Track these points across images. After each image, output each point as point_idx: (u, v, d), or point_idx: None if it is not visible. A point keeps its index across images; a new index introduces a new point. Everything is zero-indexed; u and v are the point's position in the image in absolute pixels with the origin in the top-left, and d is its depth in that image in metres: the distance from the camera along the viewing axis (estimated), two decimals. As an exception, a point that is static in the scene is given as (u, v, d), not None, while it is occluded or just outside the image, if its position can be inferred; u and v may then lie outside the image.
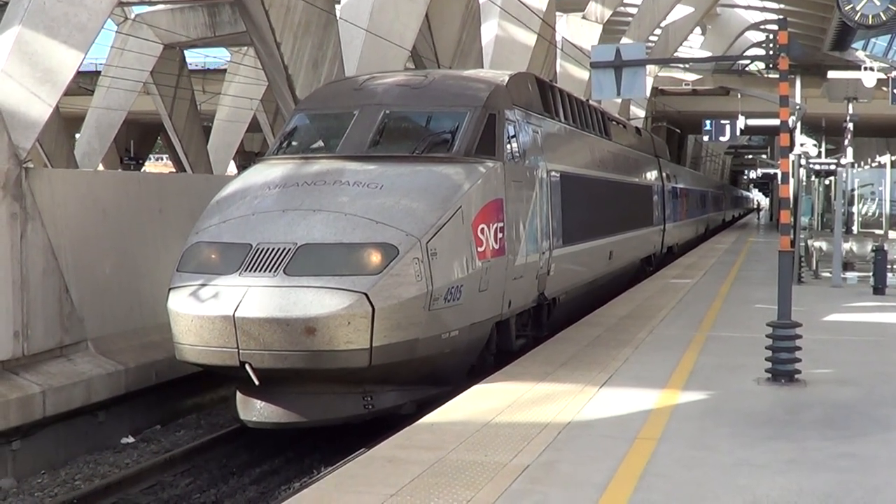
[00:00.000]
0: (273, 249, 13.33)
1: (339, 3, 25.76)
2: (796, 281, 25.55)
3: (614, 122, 29.77)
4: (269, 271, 13.09)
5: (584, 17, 47.87)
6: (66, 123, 46.01)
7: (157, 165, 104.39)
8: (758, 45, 61.00)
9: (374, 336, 12.90)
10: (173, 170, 63.12)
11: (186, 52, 49.94)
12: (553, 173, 19.21)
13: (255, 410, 13.63)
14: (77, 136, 47.21)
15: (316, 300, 12.76)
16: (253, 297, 12.88)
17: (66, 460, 15.13)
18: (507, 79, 17.92)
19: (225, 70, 58.45)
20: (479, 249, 14.80)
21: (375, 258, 13.20)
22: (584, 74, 43.55)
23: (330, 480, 9.51)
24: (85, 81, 47.14)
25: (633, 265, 30.49)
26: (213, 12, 44.78)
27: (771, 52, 14.50)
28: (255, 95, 51.68)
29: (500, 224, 15.67)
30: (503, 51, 35.08)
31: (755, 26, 67.57)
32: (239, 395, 13.89)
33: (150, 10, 45.03)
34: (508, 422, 11.48)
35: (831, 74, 43.27)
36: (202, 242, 14.10)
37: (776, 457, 10.11)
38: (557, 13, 44.13)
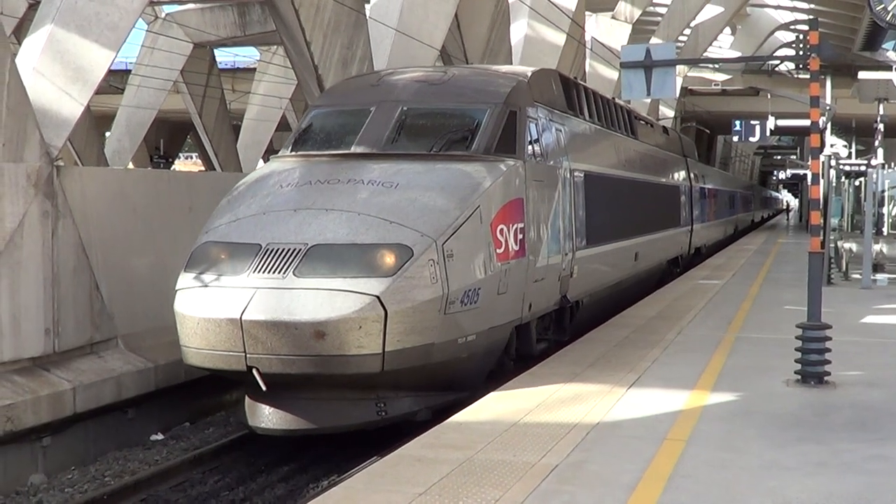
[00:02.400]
0: (283, 250, 12.94)
1: (368, 2, 25.77)
2: (826, 282, 25.44)
3: (641, 121, 29.17)
4: (279, 272, 12.71)
5: (613, 17, 47.79)
6: (96, 122, 46.10)
7: (186, 164, 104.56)
8: (788, 45, 61.02)
9: (386, 340, 12.49)
10: (203, 168, 63.30)
11: (216, 51, 50.02)
12: (577, 172, 18.73)
13: (263, 416, 13.32)
14: (107, 134, 47.33)
15: (326, 303, 12.38)
16: (261, 299, 12.51)
17: (96, 457, 15.20)
18: (528, 75, 17.47)
19: (254, 69, 58.51)
20: (498, 251, 14.34)
21: (389, 259, 12.77)
22: (613, 74, 43.44)
23: (359, 478, 9.52)
24: (115, 80, 47.22)
25: (660, 267, 29.96)
26: (243, 11, 44.82)
27: (801, 53, 14.48)
28: (284, 94, 51.69)
29: (521, 224, 15.23)
30: (532, 50, 35.01)
31: (785, 26, 67.33)
32: (247, 400, 13.61)
33: (181, 9, 45.07)
34: (537, 422, 11.48)
35: (862, 75, 43.19)
36: (210, 242, 13.74)
37: (805, 459, 10.08)
38: (587, 13, 44.09)
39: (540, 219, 16.22)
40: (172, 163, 78.70)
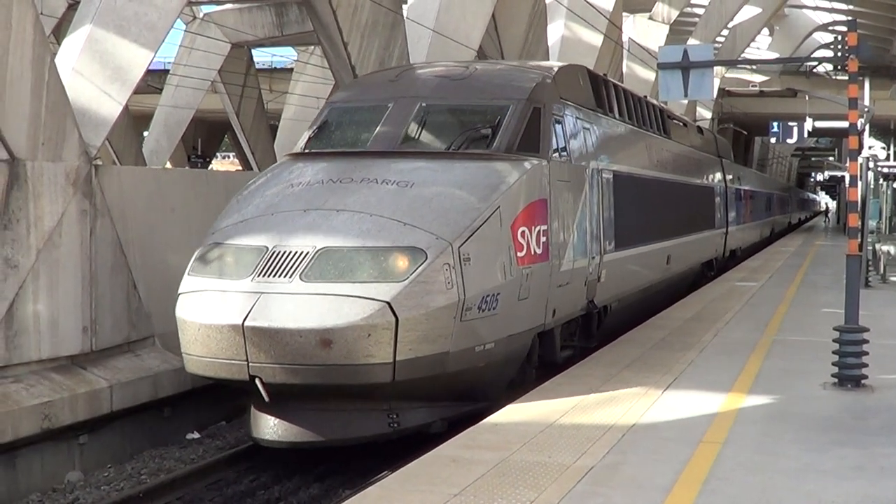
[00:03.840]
0: (290, 253, 12.29)
1: (406, 2, 25.80)
2: (863, 285, 25.32)
3: (674, 121, 28.37)
4: (285, 277, 12.06)
5: (650, 18, 47.73)
6: (134, 121, 46.35)
7: (223, 163, 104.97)
8: (826, 46, 60.69)
9: (397, 349, 11.81)
10: (240, 168, 63.47)
11: (254, 51, 50.24)
12: (605, 173, 18.00)
13: (268, 428, 12.73)
14: (145, 133, 47.54)
15: (333, 309, 11.71)
16: (264, 305, 11.86)
17: (132, 454, 15.25)
18: (554, 71, 16.78)
19: (292, 69, 58.69)
20: (519, 254, 13.60)
21: (402, 263, 12.10)
22: (650, 75, 43.46)
23: (394, 478, 9.53)
24: (153, 80, 47.40)
25: (693, 270, 29.20)
26: (281, 12, 44.99)
27: (840, 54, 14.39)
28: (321, 94, 51.70)
29: (544, 227, 14.49)
30: (569, 51, 34.95)
31: (823, 27, 67.05)
32: (252, 409, 13.06)
33: (219, 9, 45.27)
34: (572, 423, 11.47)
35: (901, 76, 43.00)
36: (216, 244, 13.19)
37: (843, 463, 10.03)
38: (624, 13, 44.01)
39: (565, 221, 15.53)
40: (210, 162, 79.03)
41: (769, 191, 58.80)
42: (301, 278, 11.98)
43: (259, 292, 11.99)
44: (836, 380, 13.73)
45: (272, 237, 12.66)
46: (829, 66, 48.62)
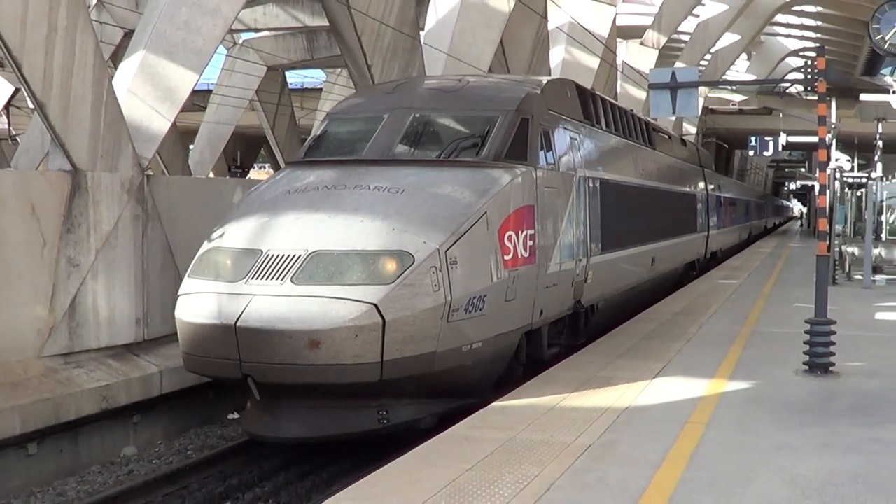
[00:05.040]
0: (283, 256, 11.64)
1: (423, 29, 25.83)
2: (831, 282, 25.28)
3: (658, 133, 27.32)
4: (277, 279, 11.41)
5: (642, 44, 47.61)
6: (181, 136, 46.39)
7: (260, 173, 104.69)
8: (797, 69, 60.54)
9: (385, 349, 11.14)
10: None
11: (287, 73, 50.36)
12: (592, 180, 17.20)
13: (262, 424, 12.13)
14: (191, 147, 47.60)
15: (321, 311, 11.03)
16: (256, 306, 11.21)
17: (180, 432, 15.31)
18: (543, 84, 15.98)
19: (321, 89, 58.82)
20: (506, 258, 12.89)
21: (390, 266, 11.43)
22: (641, 94, 43.37)
23: (414, 454, 9.55)
24: (198, 99, 47.51)
25: (677, 270, 28.54)
26: (312, 38, 45.25)
27: (810, 77, 14.40)
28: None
29: (531, 231, 13.77)
30: (569, 72, 34.86)
31: (795, 53, 66.83)
32: (249, 406, 12.58)
33: (256, 36, 45.44)
34: (572, 406, 11.50)
35: (863, 97, 42.91)
36: (214, 248, 12.55)
37: (812, 441, 10.06)
38: (618, 40, 43.99)
39: (552, 225, 14.82)
40: (248, 172, 79.13)
41: (747, 198, 58.62)
42: (292, 281, 11.37)
43: (252, 294, 11.37)
44: (806, 367, 13.74)
45: (267, 241, 12.04)
46: (801, 87, 48.48)
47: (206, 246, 12.78)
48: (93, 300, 14.32)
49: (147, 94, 15.56)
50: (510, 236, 13.11)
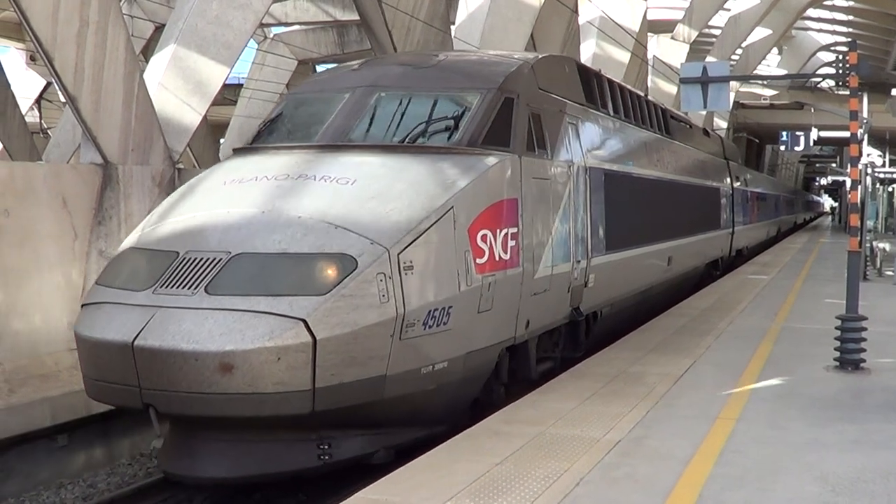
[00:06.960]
0: (200, 260, 9.55)
1: (454, 23, 25.82)
2: (862, 278, 25.16)
3: (677, 121, 24.73)
4: (188, 288, 9.31)
5: (672, 38, 47.57)
6: (212, 130, 46.60)
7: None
8: (829, 64, 60.29)
9: (317, 375, 9.01)
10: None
11: (318, 67, 50.38)
12: (595, 171, 15.20)
13: (174, 460, 9.92)
14: (221, 140, 47.78)
15: (235, 329, 8.88)
16: (160, 321, 9.09)
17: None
18: (533, 60, 13.80)
19: (351, 83, 58.80)
20: (479, 261, 10.79)
21: (328, 273, 9.31)
22: (672, 89, 43.35)
23: (443, 448, 9.52)
24: (229, 93, 47.66)
25: (697, 270, 26.27)
26: (342, 32, 45.28)
27: (841, 71, 14.33)
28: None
29: (514, 229, 11.72)
30: (600, 66, 34.84)
31: (826, 47, 66.80)
32: (167, 436, 10.08)
33: (287, 30, 45.57)
34: (602, 401, 11.45)
35: (895, 92, 42.67)
36: (130, 248, 10.50)
37: (842, 437, 9.99)
38: (649, 34, 43.93)
39: (542, 222, 12.75)
40: (278, 166, 79.06)
41: (776, 192, 57.99)
42: (206, 290, 9.26)
43: (157, 306, 9.28)
44: (837, 363, 13.66)
45: (186, 241, 9.97)
46: (832, 82, 48.26)
47: (122, 246, 10.89)
48: (124, 293, 14.33)
49: (178, 87, 15.64)
50: (484, 235, 11.06)
